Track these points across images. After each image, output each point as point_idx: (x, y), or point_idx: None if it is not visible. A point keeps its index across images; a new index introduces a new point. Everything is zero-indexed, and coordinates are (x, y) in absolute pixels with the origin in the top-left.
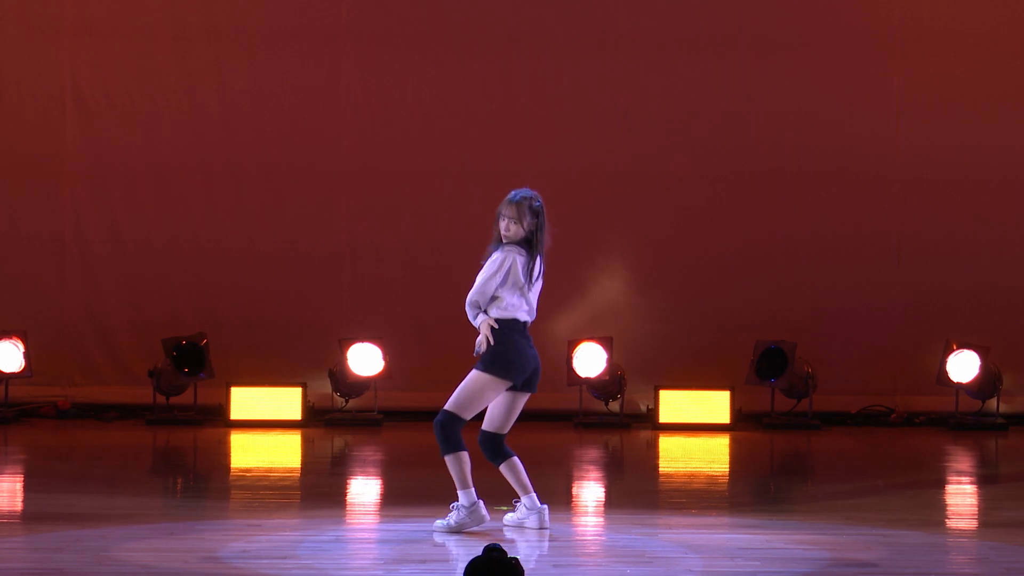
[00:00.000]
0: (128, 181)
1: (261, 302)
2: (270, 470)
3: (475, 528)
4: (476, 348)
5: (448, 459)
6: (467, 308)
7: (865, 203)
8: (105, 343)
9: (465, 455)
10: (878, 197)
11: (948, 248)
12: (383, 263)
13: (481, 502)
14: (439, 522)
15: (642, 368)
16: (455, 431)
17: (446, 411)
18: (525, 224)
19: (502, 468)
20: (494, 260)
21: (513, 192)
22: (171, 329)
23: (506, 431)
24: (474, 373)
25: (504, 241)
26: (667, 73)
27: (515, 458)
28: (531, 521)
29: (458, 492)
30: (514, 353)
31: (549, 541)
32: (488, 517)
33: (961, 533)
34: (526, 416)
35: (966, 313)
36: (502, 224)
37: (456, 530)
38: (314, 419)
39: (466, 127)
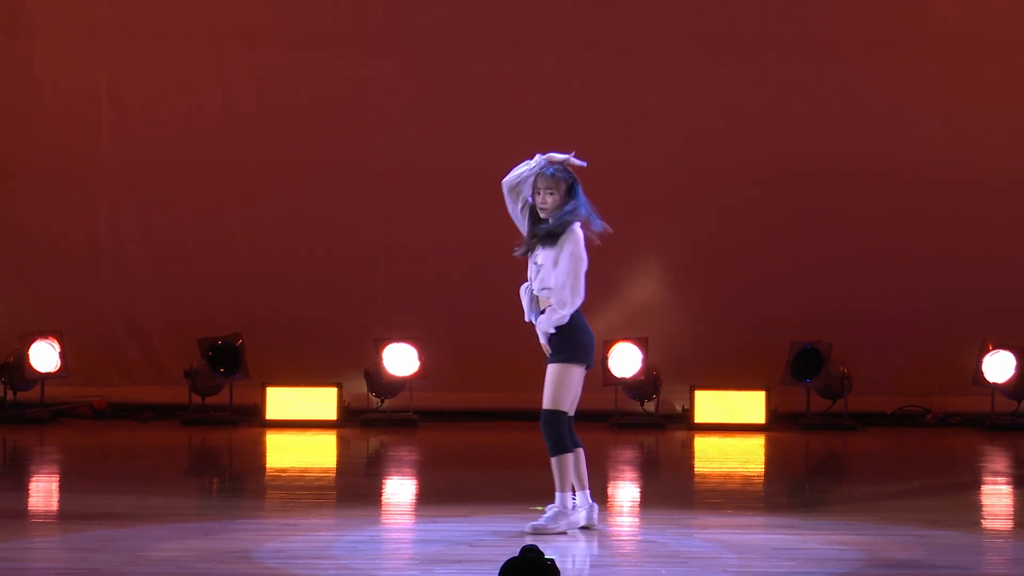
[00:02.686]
0: (164, 182)
1: (296, 302)
2: (305, 470)
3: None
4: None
5: (561, 459)
6: (564, 310)
7: (900, 203)
8: (141, 343)
9: (570, 457)
10: (914, 197)
11: (984, 247)
12: (418, 263)
13: (581, 506)
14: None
15: (677, 368)
16: (563, 428)
17: (548, 410)
18: (562, 191)
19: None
20: (573, 254)
21: (545, 167)
22: (207, 329)
23: (572, 412)
24: (559, 366)
25: (542, 215)
26: (701, 73)
27: (580, 449)
28: (581, 517)
29: (559, 493)
30: (586, 336)
31: (585, 541)
32: (581, 521)
33: (997, 533)
34: None
35: (1002, 313)
36: (540, 197)
37: (542, 531)
38: (349, 419)
39: (501, 127)
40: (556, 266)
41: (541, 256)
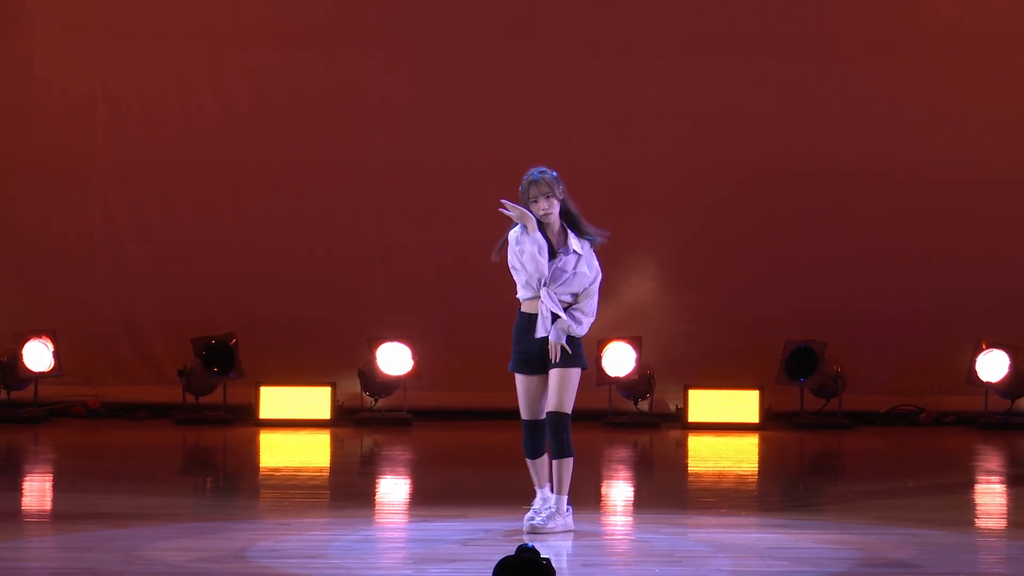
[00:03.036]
0: (159, 180)
1: (291, 301)
2: (299, 469)
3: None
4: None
5: (567, 461)
6: (590, 323)
7: (896, 203)
8: (136, 342)
9: (573, 460)
10: (909, 197)
11: (978, 247)
12: (413, 262)
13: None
14: (543, 522)
15: (671, 367)
16: (569, 431)
17: (562, 412)
18: (559, 194)
19: (552, 459)
20: (595, 266)
21: (527, 174)
22: (202, 328)
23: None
24: (567, 370)
25: (546, 222)
26: (697, 72)
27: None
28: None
29: (559, 497)
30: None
31: (579, 540)
32: (570, 524)
33: (991, 533)
34: None
35: (996, 312)
36: (540, 205)
37: (540, 531)
38: (343, 419)
39: (496, 126)
40: (591, 282)
41: (567, 262)
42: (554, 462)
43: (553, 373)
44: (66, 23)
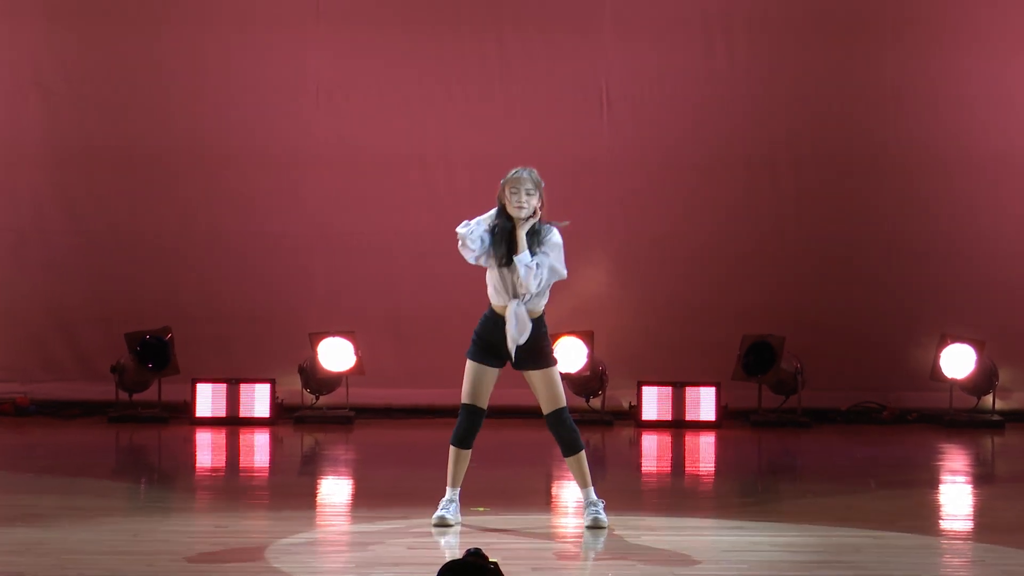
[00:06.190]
0: (91, 170)
1: (229, 295)
2: (237, 470)
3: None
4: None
5: (582, 455)
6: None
7: (857, 194)
8: (67, 338)
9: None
10: (870, 188)
11: (942, 241)
12: (356, 254)
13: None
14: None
15: (624, 363)
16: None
17: (563, 408)
18: (539, 197)
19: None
20: (558, 244)
21: (520, 169)
22: (136, 323)
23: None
24: (552, 369)
25: (521, 217)
26: (651, 60)
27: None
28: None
29: (588, 489)
30: None
31: (529, 543)
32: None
33: (955, 535)
34: (505, 413)
35: (961, 306)
36: (520, 199)
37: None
38: (283, 416)
39: (443, 114)
40: (550, 267)
41: (532, 259)
42: (571, 460)
43: (537, 375)
44: None
